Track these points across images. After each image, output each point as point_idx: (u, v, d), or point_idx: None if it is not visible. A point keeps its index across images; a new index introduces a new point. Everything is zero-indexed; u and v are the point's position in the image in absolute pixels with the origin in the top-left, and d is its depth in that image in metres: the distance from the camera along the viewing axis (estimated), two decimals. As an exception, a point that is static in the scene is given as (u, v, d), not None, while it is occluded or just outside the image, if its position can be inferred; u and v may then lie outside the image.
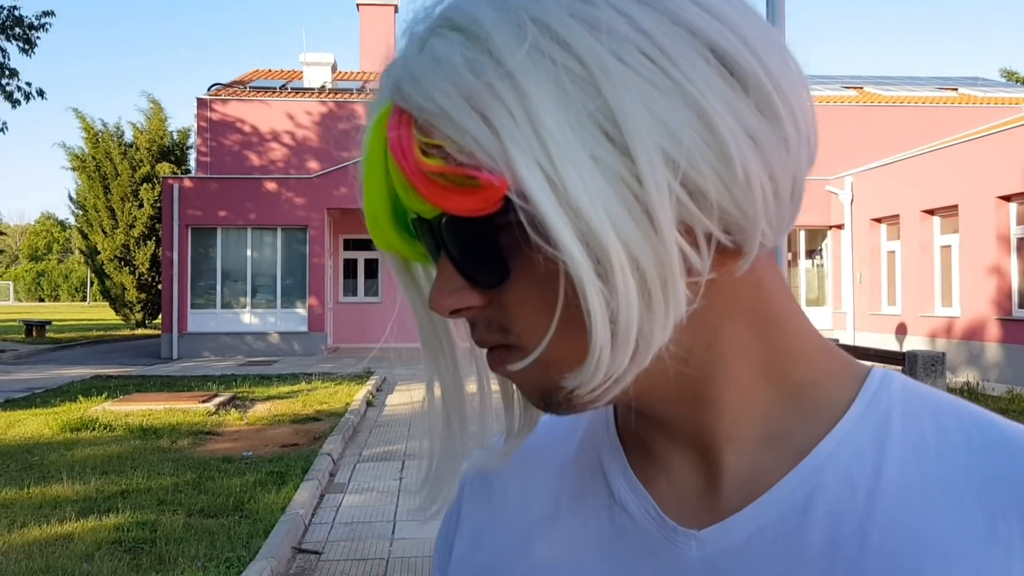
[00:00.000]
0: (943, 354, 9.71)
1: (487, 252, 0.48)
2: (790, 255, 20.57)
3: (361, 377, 14.90)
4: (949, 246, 15.91)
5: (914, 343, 16.35)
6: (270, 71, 28.27)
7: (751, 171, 0.45)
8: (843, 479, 0.52)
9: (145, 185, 28.04)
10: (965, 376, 14.42)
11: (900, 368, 9.46)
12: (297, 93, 24.05)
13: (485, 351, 0.54)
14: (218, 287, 20.63)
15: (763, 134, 0.46)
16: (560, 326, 0.47)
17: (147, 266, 28.42)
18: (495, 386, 0.61)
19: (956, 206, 15.32)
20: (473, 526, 0.68)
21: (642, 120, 0.43)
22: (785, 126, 0.47)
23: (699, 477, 0.56)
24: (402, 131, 0.46)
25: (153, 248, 27.89)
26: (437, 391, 0.60)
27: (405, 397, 12.46)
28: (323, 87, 24.64)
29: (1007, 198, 14.17)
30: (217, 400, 11.32)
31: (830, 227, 20.25)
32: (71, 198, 30.16)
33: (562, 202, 0.43)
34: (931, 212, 16.33)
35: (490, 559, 0.64)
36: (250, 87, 24.51)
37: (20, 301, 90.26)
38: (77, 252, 51.53)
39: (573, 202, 0.43)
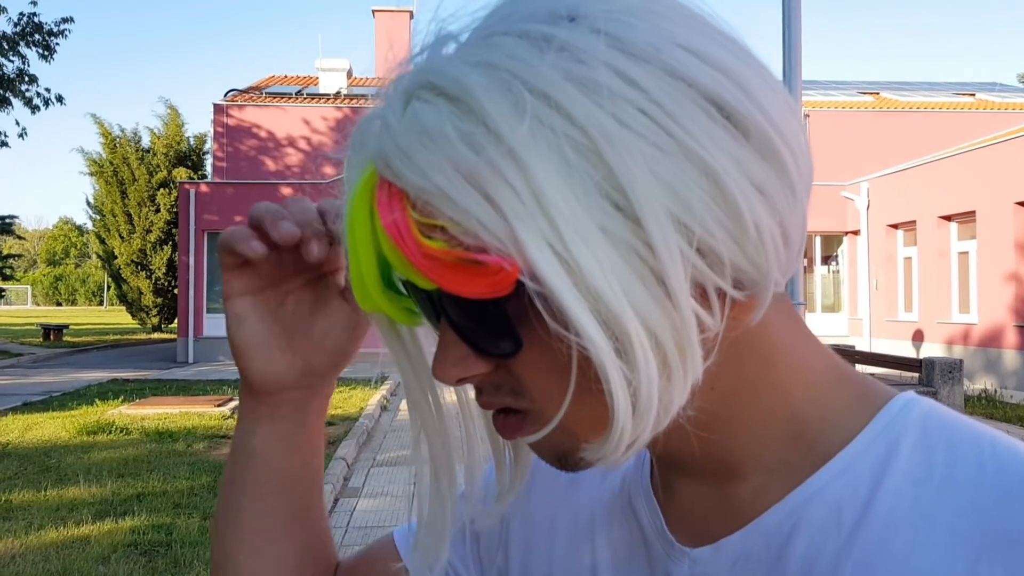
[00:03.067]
0: (960, 361, 9.65)
1: (496, 324, 0.46)
2: (805, 261, 20.48)
3: (376, 382, 14.92)
4: (967, 252, 15.79)
5: (931, 350, 16.23)
6: (286, 77, 28.41)
7: (762, 226, 0.44)
8: (831, 512, 0.51)
9: (162, 190, 28.21)
10: (983, 383, 14.30)
11: (917, 375, 9.39)
12: (313, 99, 24.16)
13: (490, 413, 0.53)
14: (234, 292, 20.70)
15: (769, 183, 0.45)
16: (576, 393, 0.46)
17: (163, 271, 28.58)
18: (484, 444, 0.60)
19: (973, 212, 15.21)
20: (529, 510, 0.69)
21: (648, 185, 0.41)
22: (790, 171, 0.45)
23: (703, 503, 0.57)
24: (396, 212, 0.44)
25: (170, 253, 28.06)
26: (424, 451, 0.58)
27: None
28: (339, 93, 24.73)
29: (1025, 204, 14.06)
30: (232, 404, 11.36)
31: (846, 233, 20.14)
32: (89, 203, 30.45)
33: (576, 282, 0.41)
34: (948, 218, 16.22)
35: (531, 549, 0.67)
36: (266, 93, 24.64)
37: (38, 305, 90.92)
38: (94, 257, 51.86)
39: (587, 281, 0.41)
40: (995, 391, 13.30)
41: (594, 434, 0.47)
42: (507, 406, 0.51)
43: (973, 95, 25.23)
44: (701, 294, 0.45)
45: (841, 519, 0.50)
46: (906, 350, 16.92)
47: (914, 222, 17.13)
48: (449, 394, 0.57)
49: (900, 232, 18.09)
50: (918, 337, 16.97)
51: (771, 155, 0.45)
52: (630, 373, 0.43)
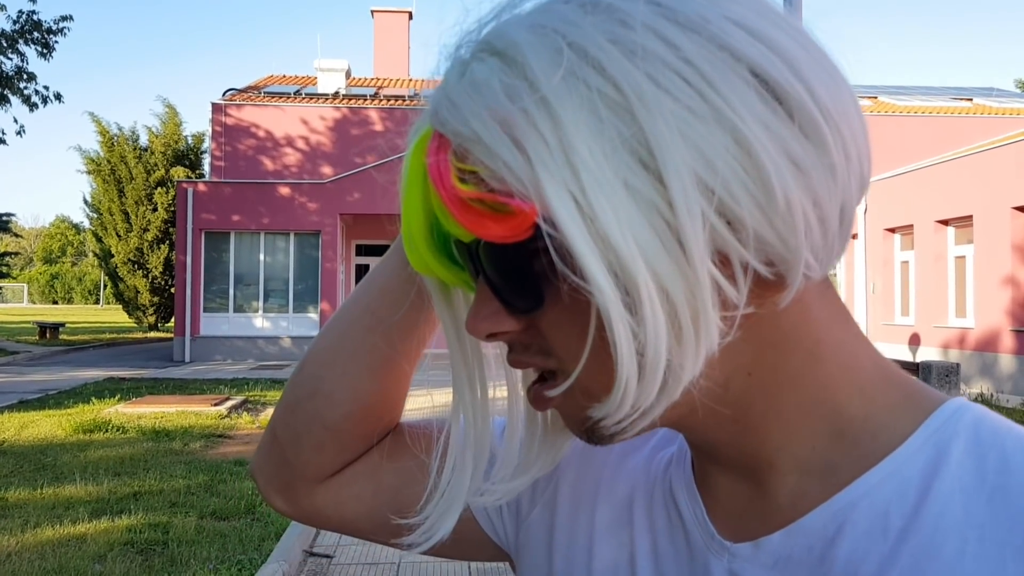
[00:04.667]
0: (957, 365, 9.67)
1: (521, 278, 0.48)
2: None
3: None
4: (964, 256, 15.81)
5: (928, 354, 16.25)
6: (284, 77, 28.40)
7: (793, 200, 0.44)
8: (878, 516, 0.49)
9: (159, 189, 28.21)
10: (979, 388, 14.32)
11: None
12: (311, 99, 24.15)
13: (524, 389, 0.54)
14: (231, 291, 20.71)
15: (808, 161, 0.44)
16: (592, 354, 0.47)
17: (160, 269, 28.58)
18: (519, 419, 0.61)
19: (971, 216, 15.23)
20: (571, 488, 0.68)
21: (676, 146, 0.42)
22: (832, 152, 0.45)
23: (742, 497, 0.56)
24: (440, 156, 0.46)
25: (166, 252, 28.05)
26: (461, 421, 0.59)
27: (413, 403, 12.44)
28: (337, 93, 24.73)
29: (1022, 208, 14.08)
30: (229, 403, 11.36)
31: (843, 236, 20.14)
32: (86, 201, 30.45)
33: (591, 231, 0.42)
34: (945, 222, 16.25)
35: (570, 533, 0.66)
36: (264, 92, 24.63)
37: (34, 303, 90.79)
38: (91, 255, 51.82)
39: (602, 231, 0.42)
40: (991, 395, 13.32)
41: (607, 393, 0.47)
42: (535, 366, 0.52)
43: (971, 100, 25.27)
44: (723, 262, 0.45)
45: (888, 524, 0.49)
46: (903, 354, 16.94)
47: (911, 226, 17.16)
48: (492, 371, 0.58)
49: (897, 236, 18.11)
50: (915, 341, 16.99)
51: (813, 134, 0.44)
52: (637, 327, 0.43)
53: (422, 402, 0.62)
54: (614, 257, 0.42)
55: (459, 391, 0.59)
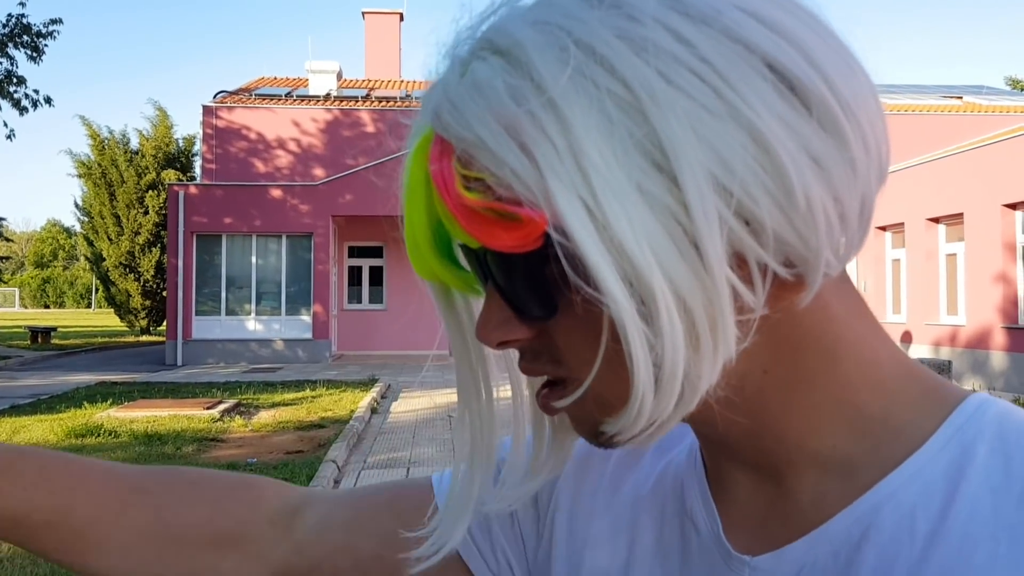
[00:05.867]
0: (949, 362, 9.72)
1: (533, 287, 0.46)
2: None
3: (366, 384, 14.89)
4: (954, 254, 15.87)
5: (919, 351, 16.31)
6: (276, 79, 28.35)
7: (813, 197, 0.42)
8: (903, 518, 0.48)
9: (150, 192, 28.13)
10: (971, 385, 14.37)
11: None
12: (302, 101, 24.12)
13: (535, 392, 0.53)
14: (223, 294, 20.66)
15: (827, 156, 0.42)
16: (605, 364, 0.45)
17: (152, 273, 28.51)
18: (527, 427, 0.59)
19: (961, 214, 15.29)
20: (569, 498, 0.67)
21: (690, 145, 0.40)
22: (852, 146, 0.43)
23: (762, 499, 0.54)
24: (443, 163, 0.45)
25: (158, 255, 27.97)
26: (467, 428, 0.57)
27: (410, 404, 12.45)
28: (328, 95, 24.70)
29: (1013, 206, 14.14)
30: (222, 407, 11.32)
31: (835, 235, 20.20)
32: (77, 205, 30.35)
33: (604, 239, 0.41)
34: (936, 220, 16.30)
35: (570, 544, 0.64)
36: (256, 94, 24.58)
37: (26, 307, 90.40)
38: (82, 259, 51.61)
39: (616, 239, 0.40)
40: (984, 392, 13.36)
41: (621, 404, 0.45)
42: (546, 374, 0.50)
43: (960, 98, 25.37)
44: (740, 265, 0.43)
45: (915, 527, 0.47)
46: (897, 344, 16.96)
47: (902, 224, 17.21)
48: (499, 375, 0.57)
49: (888, 234, 18.16)
50: (906, 339, 17.05)
51: (832, 128, 0.43)
52: (653, 338, 0.42)
53: (423, 403, 0.60)
54: (629, 266, 0.41)
55: (465, 397, 0.57)
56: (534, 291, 0.46)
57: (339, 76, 26.30)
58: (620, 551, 0.61)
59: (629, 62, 0.41)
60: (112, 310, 32.26)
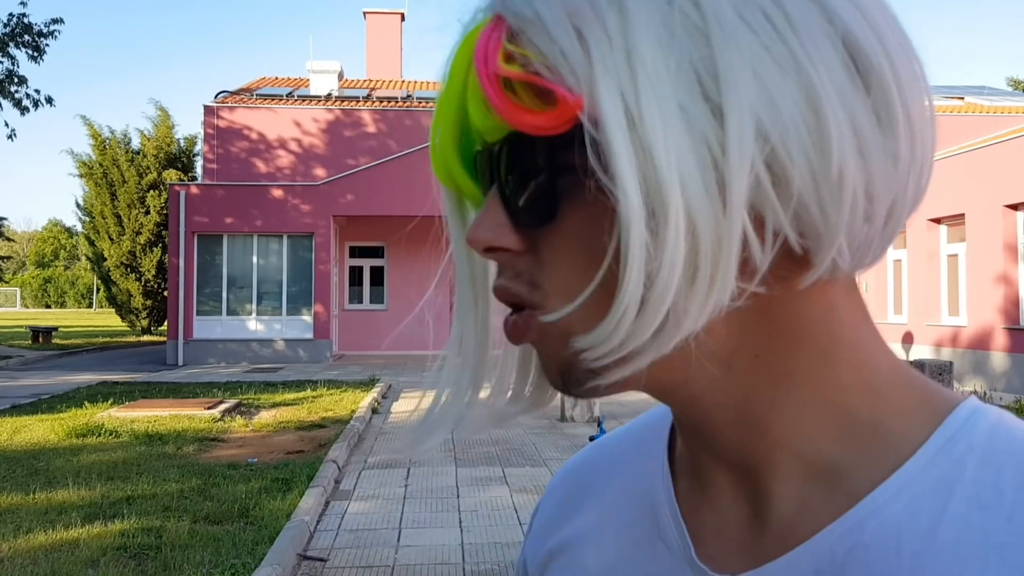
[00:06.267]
0: (950, 363, 9.70)
1: (539, 186, 0.45)
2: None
3: (366, 384, 14.90)
4: (956, 255, 15.87)
5: (920, 352, 16.30)
6: (277, 79, 28.38)
7: (847, 173, 0.41)
8: (889, 536, 0.45)
9: (152, 192, 28.17)
10: (972, 385, 14.36)
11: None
12: (304, 101, 24.13)
13: (504, 321, 0.50)
14: (224, 294, 20.68)
15: (873, 140, 0.42)
16: (594, 290, 0.44)
17: (153, 273, 28.54)
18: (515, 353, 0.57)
19: (963, 215, 15.29)
20: (547, 516, 0.66)
21: (744, 82, 0.40)
22: (900, 140, 0.43)
23: (743, 507, 0.52)
24: (492, 35, 0.44)
25: (159, 255, 28.01)
26: (460, 341, 0.56)
27: (411, 404, 12.45)
28: (329, 95, 24.72)
29: (1014, 207, 14.14)
30: (222, 407, 11.33)
31: (836, 235, 20.21)
32: (78, 205, 30.38)
33: (634, 138, 0.40)
34: (938, 221, 16.30)
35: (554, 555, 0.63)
36: (257, 94, 24.60)
37: (27, 307, 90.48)
38: (84, 259, 51.67)
39: (646, 142, 0.40)
40: (984, 393, 13.37)
41: (592, 325, 0.44)
42: (519, 297, 0.48)
43: (962, 99, 25.36)
44: (757, 218, 0.42)
45: (900, 547, 0.45)
46: (895, 352, 16.95)
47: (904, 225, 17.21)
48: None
49: (890, 235, 18.16)
50: (908, 339, 17.04)
51: (885, 114, 0.42)
52: (654, 252, 0.40)
53: (424, 403, 0.59)
54: (652, 172, 0.40)
55: (463, 313, 0.56)
56: (537, 192, 0.45)
57: (340, 76, 26.32)
58: (603, 559, 0.59)
59: None
60: (113, 310, 32.31)
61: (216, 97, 24.22)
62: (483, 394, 0.57)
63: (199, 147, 28.55)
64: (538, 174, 0.45)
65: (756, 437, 0.49)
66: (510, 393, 0.57)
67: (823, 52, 0.41)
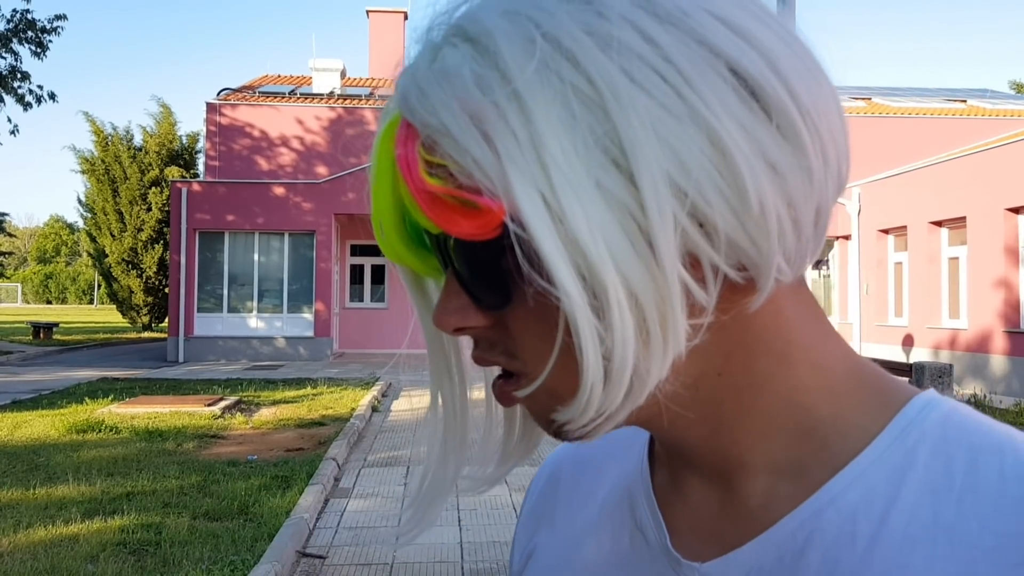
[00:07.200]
0: (950, 366, 9.70)
1: (489, 275, 0.47)
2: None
3: (367, 382, 14.90)
4: (957, 258, 15.86)
5: (921, 355, 16.30)
6: (279, 76, 28.36)
7: (767, 202, 0.42)
8: (846, 522, 0.48)
9: (154, 189, 28.17)
10: (972, 388, 14.36)
11: (907, 379, 9.43)
12: (306, 98, 24.12)
13: (491, 383, 0.53)
14: (225, 291, 20.68)
15: (784, 162, 0.43)
16: (560, 357, 0.45)
17: (154, 269, 28.54)
18: (499, 411, 0.59)
19: (964, 218, 15.27)
20: (535, 515, 0.69)
21: (649, 145, 0.41)
22: (809, 154, 0.44)
23: (714, 502, 0.54)
24: (408, 147, 0.45)
25: (161, 252, 28.01)
26: (440, 412, 0.58)
27: (411, 403, 12.45)
28: (332, 93, 24.71)
29: (1015, 210, 14.13)
30: (223, 404, 11.34)
31: (837, 238, 20.21)
32: (80, 201, 30.36)
33: (560, 233, 0.41)
34: (939, 224, 16.29)
35: (544, 555, 0.65)
36: (259, 92, 24.59)
37: (28, 303, 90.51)
38: (85, 255, 51.67)
39: (571, 233, 0.41)
40: (984, 396, 13.36)
41: (571, 395, 0.46)
42: (499, 365, 0.51)
43: (964, 101, 25.34)
44: (694, 265, 0.44)
45: (856, 531, 0.47)
46: (896, 355, 16.97)
47: (905, 227, 17.21)
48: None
49: (891, 237, 18.16)
50: (908, 342, 17.04)
51: (791, 135, 0.43)
52: (604, 332, 0.42)
53: (424, 402, 0.60)
54: (583, 260, 0.41)
55: (437, 381, 0.57)
56: (490, 280, 0.47)
57: (343, 74, 26.30)
58: (576, 566, 0.61)
59: (594, 58, 0.41)
60: (114, 306, 32.29)
61: (219, 94, 24.22)
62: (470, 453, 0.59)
63: (201, 144, 28.53)
64: (486, 267, 0.46)
65: (728, 445, 0.52)
66: (499, 454, 0.60)
67: (718, 93, 0.42)
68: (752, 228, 0.43)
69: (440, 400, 0.58)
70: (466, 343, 0.56)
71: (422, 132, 0.44)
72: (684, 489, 0.56)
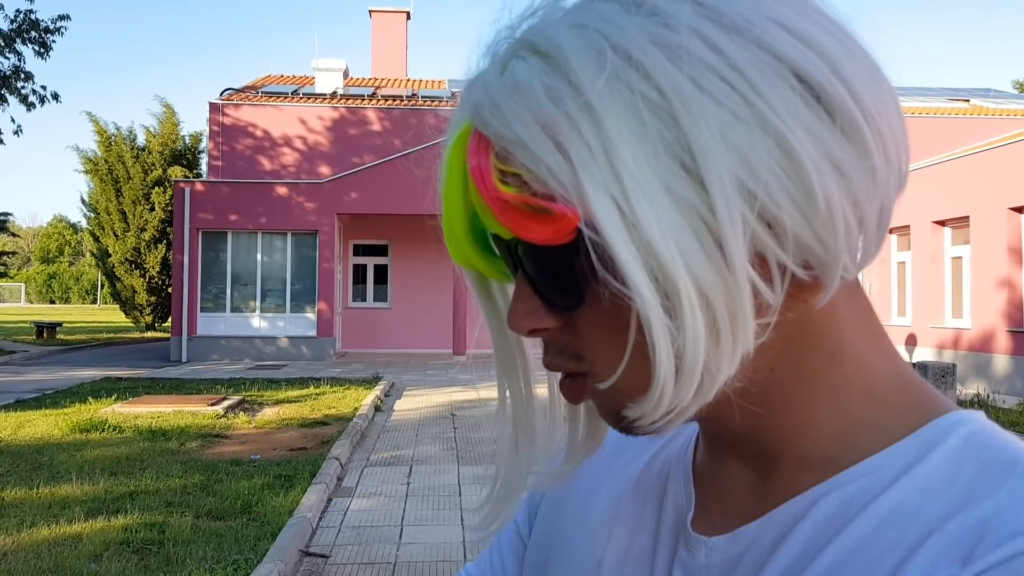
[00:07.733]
0: (953, 365, 9.68)
1: (562, 277, 0.48)
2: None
3: (369, 382, 14.91)
4: (960, 257, 15.84)
5: (924, 354, 16.28)
6: (282, 76, 28.40)
7: (833, 203, 0.44)
8: (840, 505, 0.50)
9: (157, 189, 28.21)
10: (975, 388, 14.34)
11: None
12: (309, 98, 24.14)
13: (558, 383, 0.54)
14: (228, 291, 20.70)
15: (849, 163, 0.45)
16: (631, 355, 0.47)
17: (157, 269, 28.59)
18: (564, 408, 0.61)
19: (967, 217, 15.26)
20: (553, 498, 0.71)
21: (718, 150, 0.42)
22: (873, 155, 0.45)
23: (744, 487, 0.56)
24: (481, 157, 0.47)
25: (164, 251, 28.05)
26: (508, 410, 0.59)
27: (413, 403, 12.47)
28: (335, 93, 24.72)
29: (1019, 209, 14.11)
30: (226, 403, 11.36)
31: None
32: (83, 201, 30.41)
33: (633, 237, 0.43)
34: (942, 223, 16.27)
35: (560, 529, 0.68)
36: (262, 92, 24.62)
37: (31, 303, 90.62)
38: (88, 255, 51.77)
39: (644, 236, 0.43)
40: (987, 396, 13.35)
41: (640, 394, 0.48)
42: (569, 370, 0.52)
43: (967, 101, 25.31)
44: (762, 264, 0.45)
45: (848, 512, 0.50)
46: (900, 353, 16.93)
47: (908, 227, 17.18)
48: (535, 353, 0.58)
49: (894, 237, 18.13)
50: (911, 341, 17.02)
51: (855, 137, 0.45)
52: (676, 331, 0.44)
53: (426, 401, 0.61)
54: (655, 262, 0.43)
55: (506, 381, 0.59)
56: (562, 283, 0.48)
57: (345, 74, 26.31)
58: (602, 532, 0.64)
59: (663, 68, 0.43)
60: (117, 306, 32.35)
61: (222, 94, 24.24)
62: (536, 449, 0.60)
63: (204, 144, 28.56)
64: (558, 270, 0.48)
65: (768, 435, 0.54)
66: (565, 451, 0.62)
67: (784, 98, 0.43)
68: (819, 227, 0.44)
69: (509, 398, 0.60)
70: (529, 344, 0.58)
71: (496, 143, 0.46)
72: (721, 471, 0.59)
